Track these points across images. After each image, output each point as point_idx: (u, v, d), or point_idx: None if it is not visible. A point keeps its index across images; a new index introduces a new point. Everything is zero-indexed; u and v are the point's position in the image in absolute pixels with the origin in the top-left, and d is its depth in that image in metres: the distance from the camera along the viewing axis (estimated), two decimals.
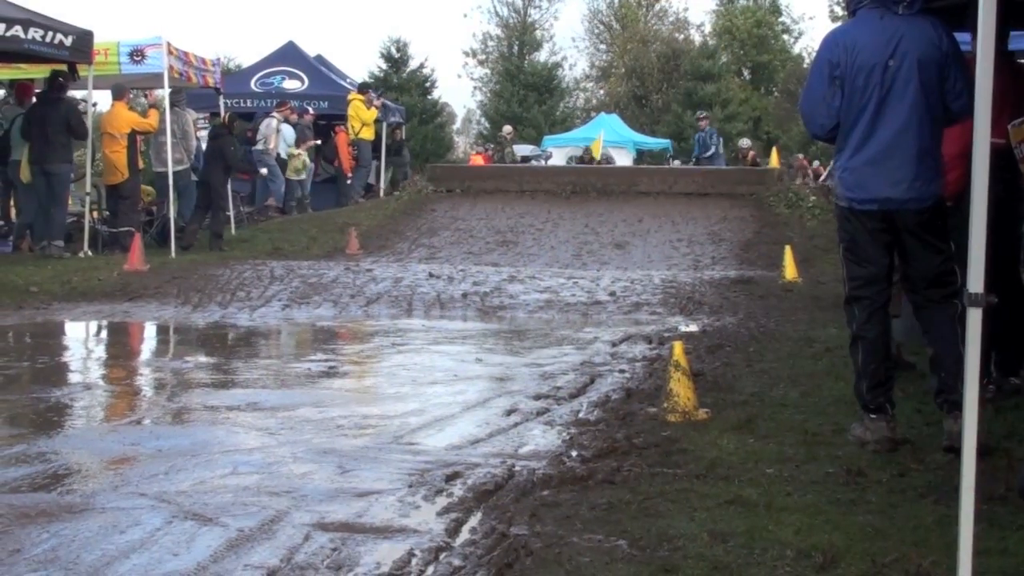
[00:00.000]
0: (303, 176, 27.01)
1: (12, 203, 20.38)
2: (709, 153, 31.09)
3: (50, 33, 16.84)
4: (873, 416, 6.76)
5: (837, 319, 12.05)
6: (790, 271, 16.24)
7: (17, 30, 16.23)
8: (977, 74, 4.42)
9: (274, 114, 25.78)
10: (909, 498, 5.75)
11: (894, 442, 6.68)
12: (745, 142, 36.57)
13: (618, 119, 50.84)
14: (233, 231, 20.99)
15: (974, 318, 4.36)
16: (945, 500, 5.49)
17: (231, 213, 21.63)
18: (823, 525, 5.25)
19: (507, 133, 37.97)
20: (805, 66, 64.21)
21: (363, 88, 28.90)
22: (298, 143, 26.66)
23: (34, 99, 19.25)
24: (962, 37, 7.51)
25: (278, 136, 25.37)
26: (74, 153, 19.39)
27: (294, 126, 26.67)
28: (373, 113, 27.35)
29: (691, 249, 20.09)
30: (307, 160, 27.01)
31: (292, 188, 26.74)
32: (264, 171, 25.31)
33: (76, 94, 20.24)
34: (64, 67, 17.95)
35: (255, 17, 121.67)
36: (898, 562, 4.74)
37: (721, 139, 33.83)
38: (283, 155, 25.75)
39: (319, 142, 28.04)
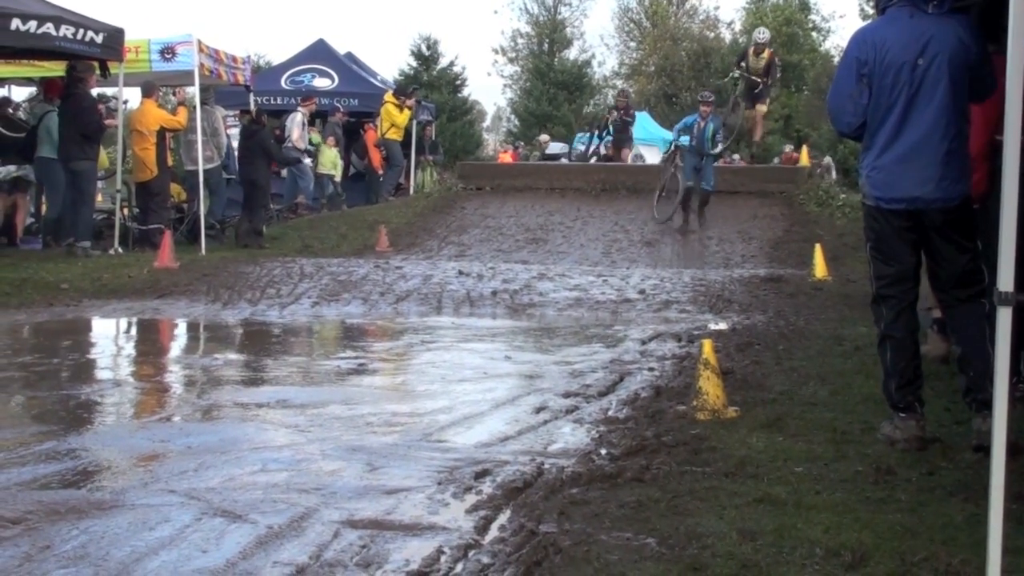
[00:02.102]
0: (334, 172, 27.10)
1: (43, 199, 20.49)
2: (717, 150, 21.85)
3: (81, 30, 16.90)
4: (903, 415, 6.74)
5: (867, 317, 11.97)
6: (820, 269, 16.19)
7: (48, 27, 16.29)
8: (1008, 73, 4.40)
9: (300, 109, 25.84)
10: (938, 497, 5.72)
11: (923, 441, 6.66)
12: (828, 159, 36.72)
13: (648, 117, 50.71)
14: (264, 229, 21.02)
15: (1004, 317, 4.34)
16: (974, 499, 5.47)
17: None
18: (852, 523, 5.23)
19: (544, 140, 38.78)
20: (835, 64, 64.09)
21: (401, 90, 28.89)
22: (326, 140, 26.79)
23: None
24: None
25: (303, 130, 25.42)
26: (102, 150, 19.42)
27: (324, 123, 26.75)
28: (406, 116, 27.36)
29: (721, 247, 20.07)
30: (338, 157, 27.10)
31: (324, 184, 26.84)
32: (308, 161, 25.44)
33: (107, 91, 20.31)
34: (79, 61, 17.90)
35: (285, 15, 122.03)
36: (927, 561, 4.72)
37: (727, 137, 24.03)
38: (307, 147, 25.82)
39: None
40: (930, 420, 6.93)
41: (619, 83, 69.82)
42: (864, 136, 6.84)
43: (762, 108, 26.69)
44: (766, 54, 25.38)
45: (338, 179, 27.44)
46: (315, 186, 26.54)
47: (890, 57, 6.63)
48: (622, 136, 30.26)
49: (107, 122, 19.08)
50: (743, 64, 25.61)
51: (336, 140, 27.37)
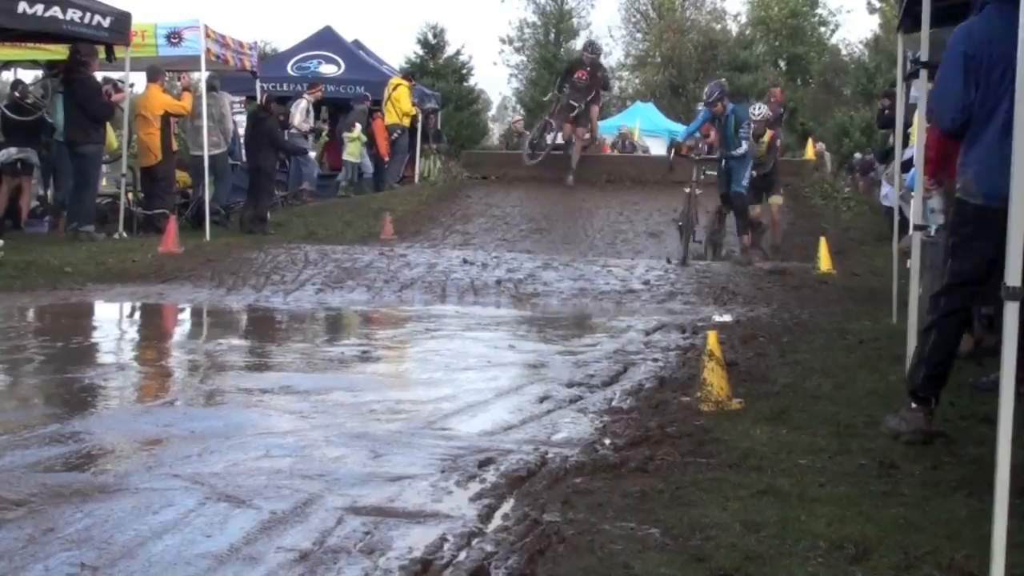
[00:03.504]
0: (356, 159, 27.17)
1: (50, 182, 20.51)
2: (741, 151, 18.39)
3: (88, 14, 16.90)
4: (914, 405, 6.71)
5: (871, 311, 12.05)
6: (825, 262, 16.21)
7: (55, 11, 16.28)
8: (1019, 72, 4.39)
9: (305, 95, 25.83)
10: (942, 491, 5.72)
11: (928, 435, 6.64)
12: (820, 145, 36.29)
13: (654, 108, 50.71)
14: (268, 215, 21.01)
15: (1011, 312, 4.34)
16: (979, 494, 5.46)
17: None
18: (856, 517, 5.22)
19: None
20: (843, 57, 64.05)
21: (409, 74, 28.88)
22: (350, 128, 26.85)
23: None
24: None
25: (306, 116, 25.42)
26: (111, 131, 19.39)
27: (337, 112, 26.82)
28: (413, 109, 27.40)
29: (725, 239, 20.03)
30: (360, 144, 27.18)
31: (349, 169, 26.94)
32: (313, 154, 25.46)
33: (112, 75, 20.30)
34: (83, 44, 17.85)
35: (292, 1, 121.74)
36: (931, 555, 4.71)
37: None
38: (310, 129, 25.87)
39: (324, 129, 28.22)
40: (935, 414, 6.92)
41: (625, 74, 69.81)
42: (968, 133, 6.66)
43: (777, 200, 20.34)
44: (767, 136, 19.91)
45: (367, 164, 27.54)
46: (344, 171, 26.70)
47: (999, 51, 6.38)
48: (580, 101, 24.97)
49: (115, 98, 18.99)
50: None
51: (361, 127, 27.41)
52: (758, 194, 19.64)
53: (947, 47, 6.83)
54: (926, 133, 9.23)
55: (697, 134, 21.52)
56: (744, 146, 18.09)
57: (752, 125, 18.88)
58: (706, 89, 19.26)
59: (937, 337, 6.74)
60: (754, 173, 19.19)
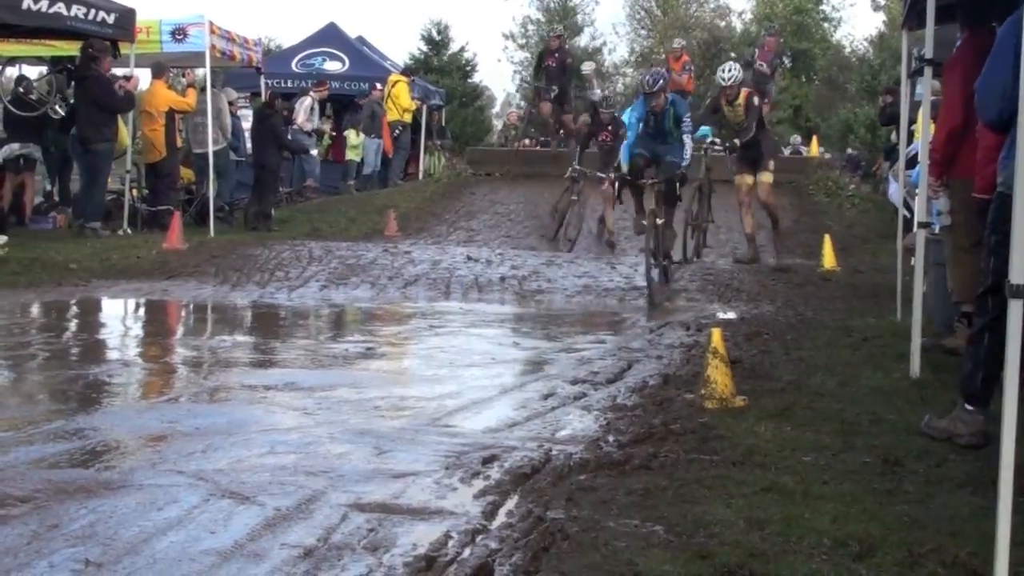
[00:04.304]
0: (358, 158, 27.25)
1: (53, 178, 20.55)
2: (687, 153, 14.40)
3: (92, 10, 16.92)
4: (971, 408, 6.61)
5: (875, 308, 12.05)
6: (829, 260, 16.19)
7: (60, 7, 16.30)
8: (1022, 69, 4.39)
9: (312, 93, 25.83)
10: (946, 488, 5.72)
11: (988, 437, 6.55)
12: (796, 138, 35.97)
13: None
14: (272, 212, 20.99)
15: (1016, 310, 4.34)
16: (982, 491, 5.47)
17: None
18: (860, 514, 5.22)
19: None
20: (846, 55, 63.90)
21: (408, 70, 28.88)
22: (355, 125, 26.97)
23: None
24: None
25: (310, 114, 25.43)
26: (123, 127, 19.36)
27: (351, 108, 26.88)
28: (413, 104, 27.39)
29: (729, 237, 20.03)
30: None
31: (352, 168, 27.05)
32: (315, 152, 25.47)
33: (117, 71, 20.29)
34: (95, 40, 17.83)
35: None
36: (935, 552, 4.71)
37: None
38: (313, 129, 25.87)
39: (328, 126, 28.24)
40: (938, 411, 6.92)
41: (630, 71, 69.72)
42: (1015, 127, 6.52)
43: (767, 178, 17.50)
44: (742, 97, 16.97)
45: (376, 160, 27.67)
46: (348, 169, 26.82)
47: None
48: (554, 85, 25.28)
49: (131, 84, 18.89)
50: (719, 114, 17.49)
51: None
52: (750, 167, 17.32)
53: (998, 37, 6.70)
54: (933, 134, 9.22)
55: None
56: (688, 143, 14.26)
57: (719, 93, 16.97)
58: (646, 77, 14.84)
59: (994, 339, 6.42)
60: (737, 142, 17.27)
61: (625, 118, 16.03)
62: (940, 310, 10.16)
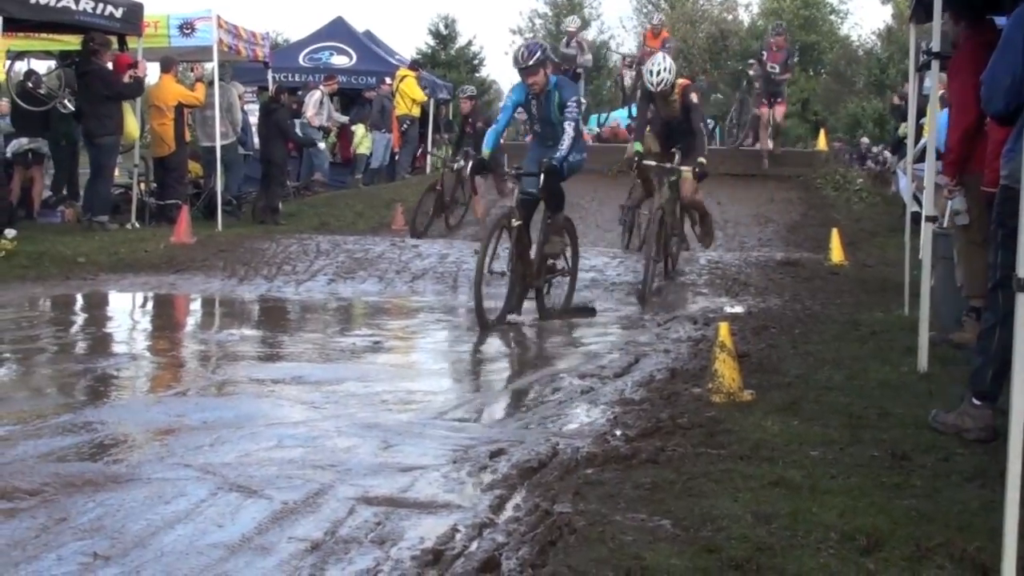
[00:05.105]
0: (367, 151, 27.27)
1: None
2: (567, 143, 11.27)
3: (101, 4, 16.95)
4: (979, 403, 6.60)
5: (883, 302, 12.03)
6: (836, 254, 16.16)
7: (68, 1, 16.32)
8: None
9: (321, 87, 25.82)
10: (954, 482, 5.72)
11: (996, 431, 6.54)
12: None
13: None
14: (280, 206, 21.00)
15: (1022, 303, 4.33)
16: (991, 485, 5.47)
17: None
18: (867, 508, 5.22)
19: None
20: (853, 48, 63.88)
21: (415, 64, 28.88)
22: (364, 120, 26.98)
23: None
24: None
25: (320, 108, 25.41)
26: (133, 117, 19.34)
27: (358, 102, 26.88)
28: (423, 96, 27.38)
29: (736, 230, 20.01)
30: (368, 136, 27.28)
31: (361, 162, 27.08)
32: (323, 145, 25.45)
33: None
34: (95, 33, 17.81)
35: None
36: (943, 547, 4.71)
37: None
38: (321, 125, 25.87)
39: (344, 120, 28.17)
40: (948, 405, 6.91)
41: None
42: (1020, 118, 6.41)
43: (688, 174, 14.11)
44: (676, 91, 14.13)
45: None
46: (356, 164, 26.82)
47: None
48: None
49: (139, 69, 18.83)
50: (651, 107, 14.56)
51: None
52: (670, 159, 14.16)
53: (1005, 30, 6.67)
54: (948, 133, 9.17)
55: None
56: (569, 131, 11.25)
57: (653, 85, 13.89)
58: (519, 51, 11.66)
59: (1001, 335, 6.44)
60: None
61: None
62: (947, 304, 10.15)
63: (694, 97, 14.20)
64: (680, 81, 14.26)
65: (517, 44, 64.96)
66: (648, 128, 14.73)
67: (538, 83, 11.40)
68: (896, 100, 24.07)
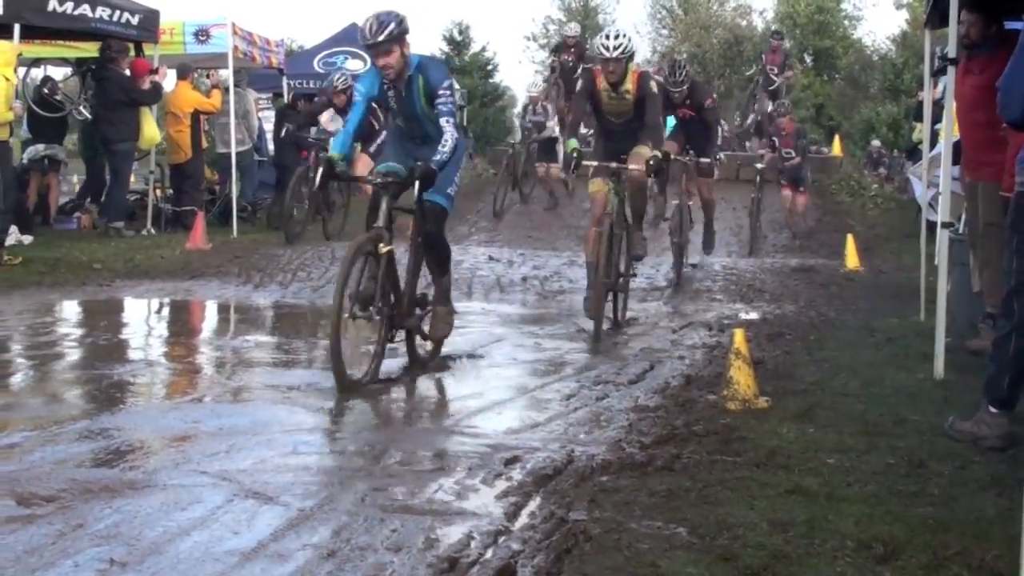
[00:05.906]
0: None
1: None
2: (447, 146, 8.64)
3: (117, 12, 17.03)
4: (996, 411, 6.57)
5: (899, 309, 12.01)
6: (852, 260, 16.16)
7: (85, 8, 16.42)
8: None
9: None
10: (971, 490, 5.70)
11: (1013, 439, 6.54)
12: None
13: None
14: (295, 212, 21.02)
15: None
16: (1008, 493, 5.46)
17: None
18: (884, 516, 5.22)
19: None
20: (868, 54, 63.70)
21: None
22: None
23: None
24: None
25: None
26: (154, 122, 19.39)
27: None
28: None
29: (740, 238, 19.99)
30: None
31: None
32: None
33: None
34: (113, 40, 17.86)
35: None
36: (960, 555, 4.70)
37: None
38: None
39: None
40: (965, 412, 6.90)
41: (651, 70, 69.47)
42: None
43: (636, 162, 11.52)
44: (631, 82, 11.69)
45: None
46: None
47: None
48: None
49: (157, 78, 18.88)
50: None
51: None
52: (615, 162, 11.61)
53: (1021, 36, 6.66)
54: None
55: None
56: (449, 129, 8.73)
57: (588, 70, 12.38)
58: (368, 22, 8.85)
59: (1019, 341, 6.45)
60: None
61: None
62: (963, 310, 10.14)
63: (653, 86, 11.66)
64: (634, 68, 11.80)
65: (530, 49, 64.38)
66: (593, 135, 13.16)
67: (392, 66, 8.76)
68: (920, 96, 24.06)
